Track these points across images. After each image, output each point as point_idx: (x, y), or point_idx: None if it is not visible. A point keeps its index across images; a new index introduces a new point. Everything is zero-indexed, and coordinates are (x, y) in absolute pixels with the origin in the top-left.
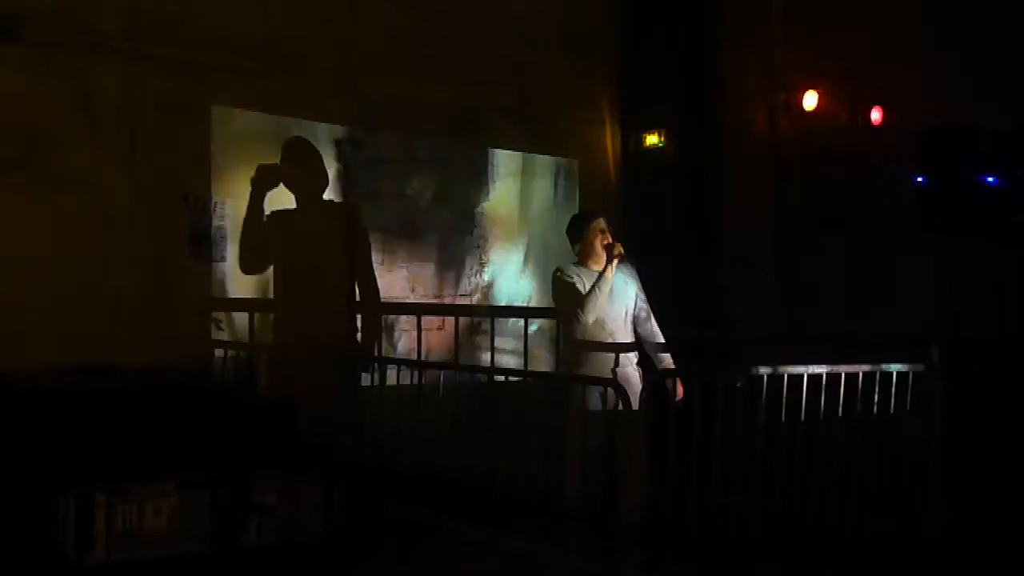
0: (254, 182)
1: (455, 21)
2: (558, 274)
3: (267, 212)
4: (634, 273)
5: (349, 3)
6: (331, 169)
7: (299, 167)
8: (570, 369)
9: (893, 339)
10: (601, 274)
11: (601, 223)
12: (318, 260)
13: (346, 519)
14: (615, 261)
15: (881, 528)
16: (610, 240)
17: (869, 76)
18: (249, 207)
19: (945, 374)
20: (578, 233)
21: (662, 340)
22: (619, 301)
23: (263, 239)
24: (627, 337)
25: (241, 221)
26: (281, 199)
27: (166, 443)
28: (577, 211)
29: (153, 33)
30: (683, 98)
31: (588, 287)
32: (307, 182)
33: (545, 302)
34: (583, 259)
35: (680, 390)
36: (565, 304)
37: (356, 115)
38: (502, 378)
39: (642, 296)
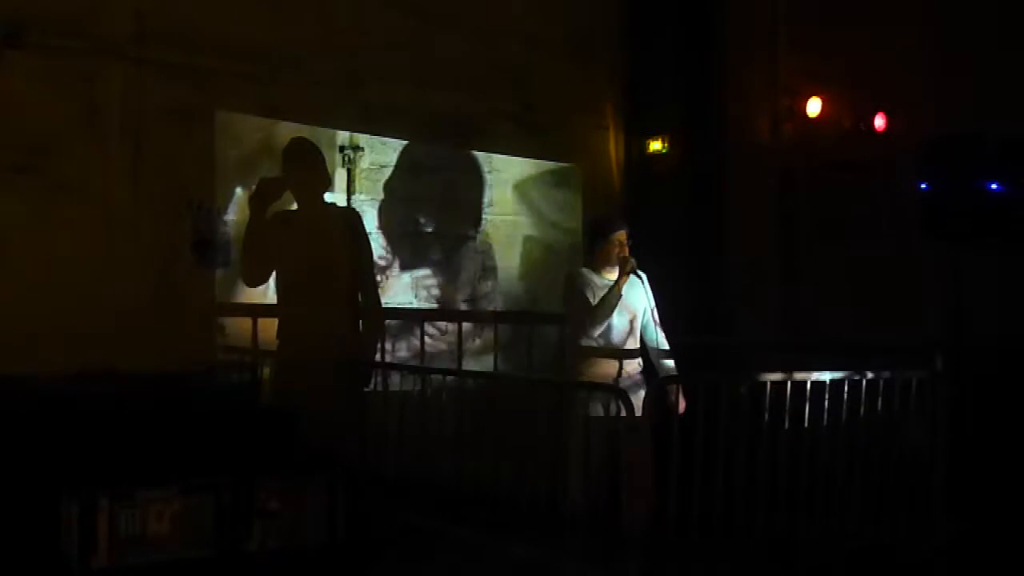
0: (256, 194)
1: (459, 27)
2: (570, 278)
3: (269, 216)
4: (645, 281)
5: (353, 9)
6: (335, 175)
7: (300, 166)
8: (574, 375)
9: (897, 346)
10: (611, 288)
11: (623, 235)
12: (320, 265)
13: (349, 524)
14: (627, 277)
15: (883, 535)
16: (627, 254)
17: (873, 82)
18: (251, 220)
19: (948, 381)
20: (598, 237)
21: (667, 347)
22: (627, 309)
23: (265, 247)
24: (632, 344)
25: (244, 227)
26: (283, 200)
27: (169, 448)
28: (582, 217)
29: (158, 39)
30: (687, 104)
31: (598, 296)
32: (309, 182)
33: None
34: (598, 264)
35: (683, 403)
36: (573, 310)
37: (360, 121)
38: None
39: (651, 305)
